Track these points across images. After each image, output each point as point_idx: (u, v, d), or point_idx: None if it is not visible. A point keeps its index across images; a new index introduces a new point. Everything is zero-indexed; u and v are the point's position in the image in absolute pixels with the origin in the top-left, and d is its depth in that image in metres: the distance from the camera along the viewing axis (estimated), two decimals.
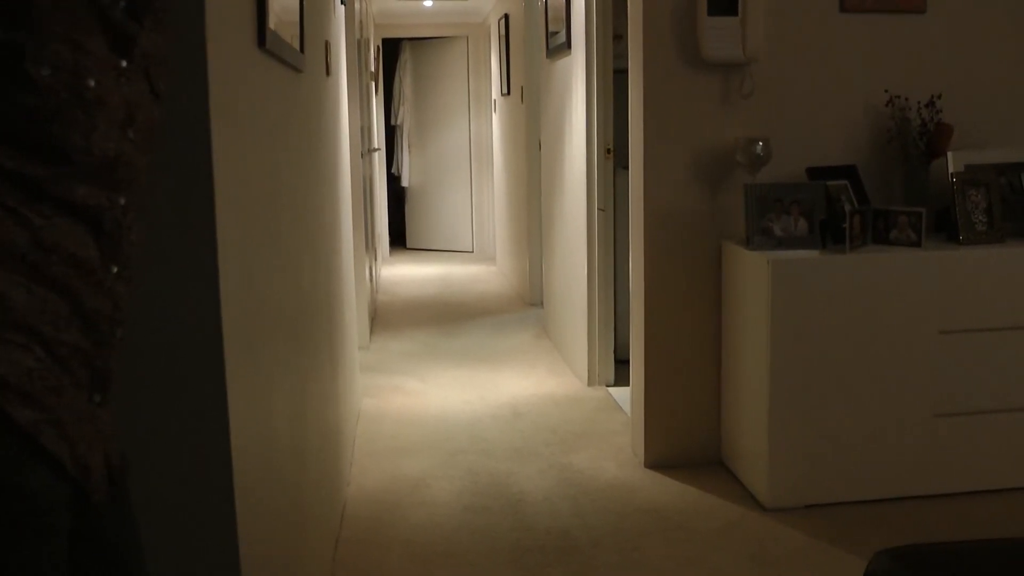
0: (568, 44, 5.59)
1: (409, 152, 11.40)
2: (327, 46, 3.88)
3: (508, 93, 8.85)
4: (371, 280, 7.32)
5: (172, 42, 1.22)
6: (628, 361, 4.55)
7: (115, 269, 1.12)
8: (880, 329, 3.68)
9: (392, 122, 11.45)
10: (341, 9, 4.92)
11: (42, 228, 1.02)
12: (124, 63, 1.09)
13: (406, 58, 11.29)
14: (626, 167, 4.67)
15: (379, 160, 9.55)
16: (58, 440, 1.03)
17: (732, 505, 3.80)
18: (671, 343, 4.17)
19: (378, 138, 9.58)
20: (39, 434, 1.01)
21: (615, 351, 5.46)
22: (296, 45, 2.75)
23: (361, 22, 7.16)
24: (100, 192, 1.08)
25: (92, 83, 1.04)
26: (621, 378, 5.31)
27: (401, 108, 11.36)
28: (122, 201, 1.11)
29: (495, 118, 10.23)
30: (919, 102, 4.05)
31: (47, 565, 1.04)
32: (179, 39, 1.37)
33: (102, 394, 1.14)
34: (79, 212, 1.06)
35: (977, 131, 4.17)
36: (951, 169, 3.97)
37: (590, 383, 5.48)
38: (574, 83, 5.54)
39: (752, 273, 3.78)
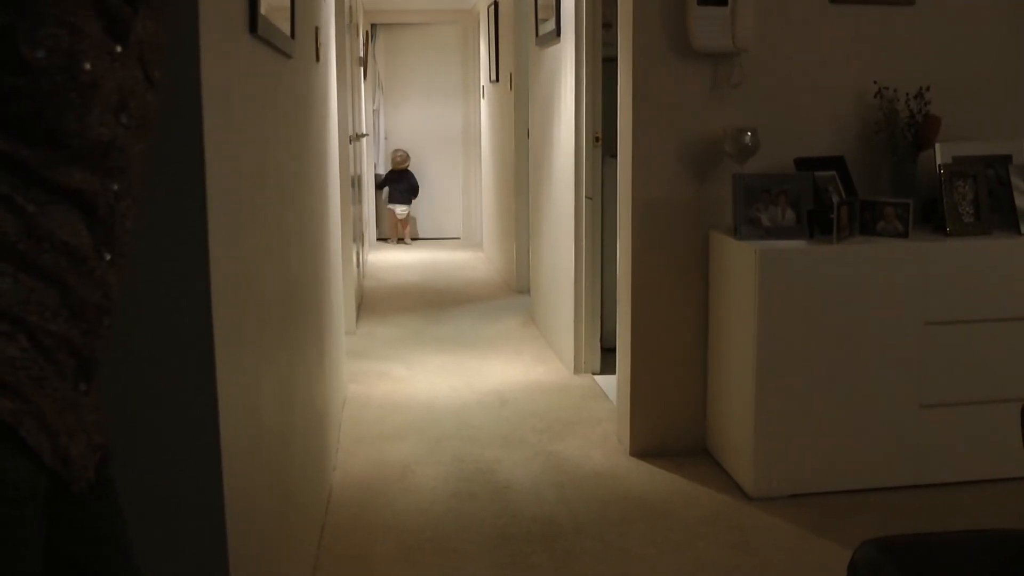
0: (557, 32, 5.59)
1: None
2: (317, 32, 3.87)
3: (497, 80, 8.84)
4: (358, 265, 7.31)
5: (166, 28, 1.21)
6: (615, 349, 4.56)
7: (108, 256, 1.11)
8: (866, 320, 3.70)
9: (378, 107, 11.41)
10: None
11: (34, 216, 1.02)
12: (119, 48, 1.09)
13: (395, 44, 11.25)
14: (614, 155, 4.66)
15: (366, 146, 9.52)
16: (37, 431, 1.03)
17: (717, 494, 3.81)
18: (658, 332, 4.18)
19: (365, 124, 9.56)
20: (18, 425, 1.00)
21: (602, 339, 5.47)
22: (287, 31, 2.75)
23: (350, 7, 7.14)
24: (93, 177, 1.07)
25: (88, 66, 1.04)
26: (607, 366, 5.32)
27: (389, 94, 11.32)
28: (115, 187, 1.11)
29: (483, 105, 10.21)
30: (908, 94, 4.06)
31: (22, 554, 1.04)
32: (172, 25, 1.36)
33: (87, 383, 1.13)
34: (73, 197, 1.05)
35: (965, 123, 4.19)
36: (939, 161, 3.98)
37: (576, 371, 5.48)
38: (563, 71, 5.53)
39: (739, 263, 3.79)
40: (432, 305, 7.61)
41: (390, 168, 11.11)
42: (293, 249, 2.88)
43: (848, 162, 4.11)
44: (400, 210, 11.04)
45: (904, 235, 3.75)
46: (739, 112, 4.07)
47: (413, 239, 11.24)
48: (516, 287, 8.02)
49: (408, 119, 11.34)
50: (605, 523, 3.57)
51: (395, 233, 11.14)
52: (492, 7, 8.80)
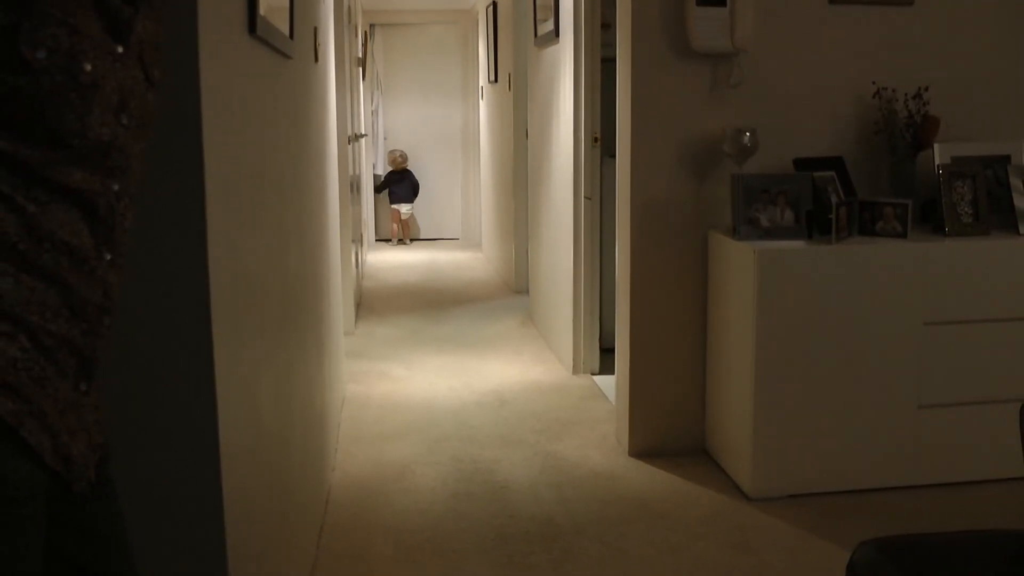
0: (556, 32, 5.59)
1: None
2: (316, 32, 3.87)
3: (495, 80, 8.84)
4: (357, 265, 7.31)
5: (165, 28, 1.21)
6: (613, 349, 4.56)
7: (108, 256, 1.12)
8: (865, 320, 3.70)
9: (377, 108, 11.42)
10: None
11: (35, 216, 1.02)
12: (120, 48, 1.09)
13: (393, 44, 11.26)
14: (613, 155, 4.67)
15: (365, 146, 9.53)
16: (39, 432, 1.03)
17: (715, 494, 3.81)
18: (656, 332, 4.18)
19: (364, 124, 9.57)
20: (20, 425, 1.01)
21: (600, 339, 5.47)
22: (286, 31, 2.75)
23: (349, 8, 7.14)
24: (94, 177, 1.07)
25: (88, 67, 1.04)
26: (606, 366, 5.32)
27: (387, 94, 11.32)
28: (116, 187, 1.11)
29: (482, 105, 10.22)
30: (906, 94, 4.07)
31: (22, 553, 1.04)
32: (171, 25, 1.36)
33: (88, 382, 1.14)
34: (73, 197, 1.06)
35: (964, 123, 4.19)
36: (937, 161, 3.98)
37: (575, 371, 5.48)
38: (562, 71, 5.53)
39: (738, 263, 3.79)
40: (431, 305, 7.61)
41: (389, 169, 11.11)
42: (292, 249, 2.88)
43: (847, 162, 4.11)
44: (405, 209, 11.05)
45: (903, 235, 3.75)
46: (738, 112, 4.08)
47: (412, 240, 11.25)
48: (515, 287, 8.02)
49: (407, 119, 11.34)
50: (604, 523, 3.57)
51: (396, 234, 11.14)
52: (491, 7, 8.80)
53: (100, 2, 1.06)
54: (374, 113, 11.06)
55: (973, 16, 4.21)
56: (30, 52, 0.99)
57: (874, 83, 4.10)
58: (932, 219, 3.99)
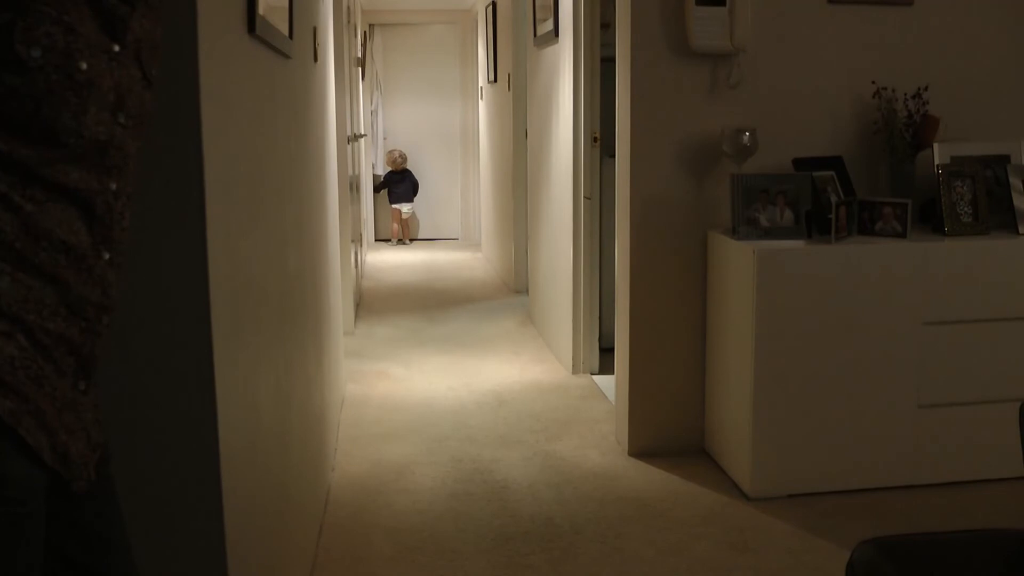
0: (556, 32, 5.58)
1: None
2: (315, 32, 3.86)
3: (495, 80, 8.84)
4: (356, 265, 7.31)
5: (163, 28, 1.21)
6: (613, 349, 4.56)
7: (106, 255, 1.12)
8: (865, 320, 3.70)
9: (376, 108, 11.42)
10: None
11: (32, 214, 1.02)
12: (116, 47, 1.09)
13: (393, 44, 11.26)
14: (612, 155, 4.67)
15: (364, 146, 9.52)
16: (37, 430, 1.03)
17: (715, 494, 3.81)
18: (656, 332, 4.18)
19: (364, 124, 9.56)
20: (17, 424, 1.01)
21: (600, 339, 5.47)
22: (285, 31, 2.74)
23: (348, 8, 7.13)
24: (91, 176, 1.07)
25: (84, 66, 1.04)
26: (606, 366, 5.32)
27: (387, 94, 11.32)
28: (113, 186, 1.11)
29: (482, 105, 10.22)
30: (906, 94, 4.07)
31: (22, 552, 1.04)
32: (170, 25, 1.36)
33: (86, 381, 1.14)
34: (71, 196, 1.06)
35: (963, 123, 4.19)
36: (937, 161, 3.98)
37: (574, 371, 5.48)
38: (561, 71, 5.53)
39: (737, 263, 3.79)
40: (430, 305, 7.61)
41: (389, 169, 11.11)
42: (291, 249, 2.88)
43: (846, 162, 4.11)
44: (406, 208, 11.06)
45: (902, 235, 3.75)
46: (737, 112, 4.08)
47: (412, 239, 11.25)
48: (514, 287, 8.02)
49: (406, 119, 11.34)
50: (603, 523, 3.57)
51: (396, 233, 11.14)
52: (490, 7, 8.80)
53: (95, 1, 1.06)
54: (373, 113, 11.04)
55: (973, 15, 4.21)
56: (25, 51, 0.99)
57: (874, 83, 4.10)
58: (931, 219, 3.99)
